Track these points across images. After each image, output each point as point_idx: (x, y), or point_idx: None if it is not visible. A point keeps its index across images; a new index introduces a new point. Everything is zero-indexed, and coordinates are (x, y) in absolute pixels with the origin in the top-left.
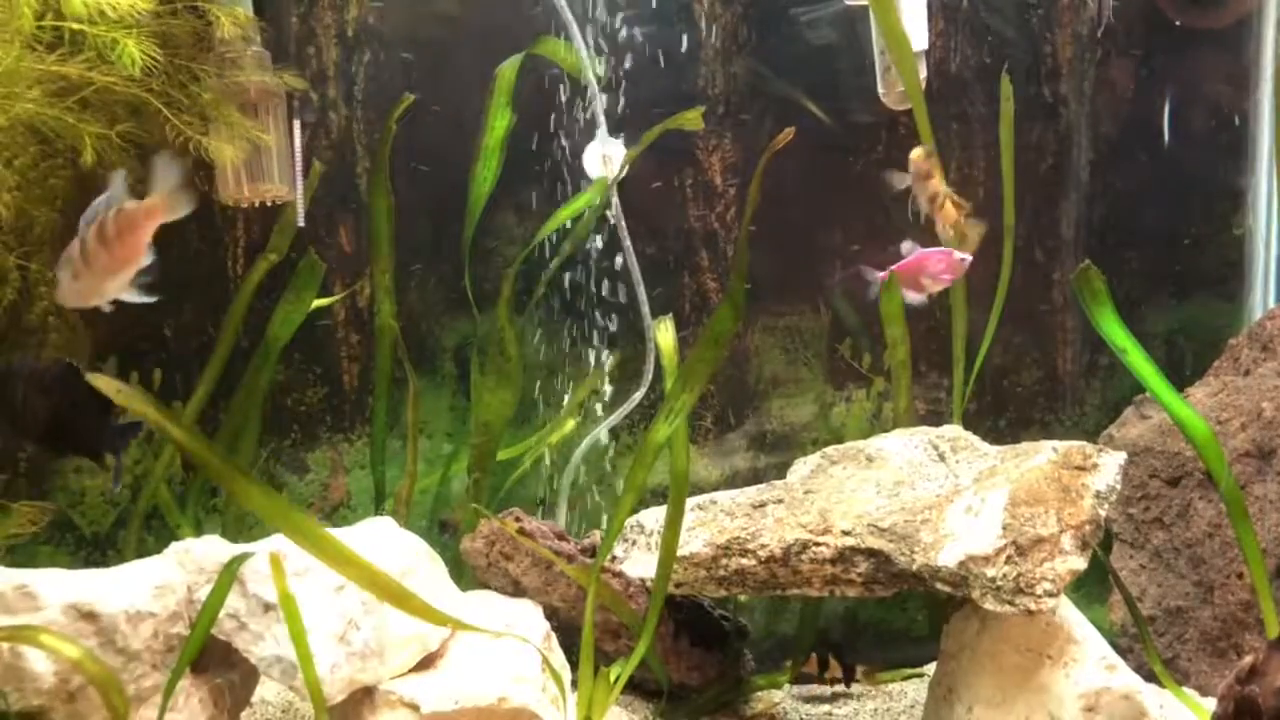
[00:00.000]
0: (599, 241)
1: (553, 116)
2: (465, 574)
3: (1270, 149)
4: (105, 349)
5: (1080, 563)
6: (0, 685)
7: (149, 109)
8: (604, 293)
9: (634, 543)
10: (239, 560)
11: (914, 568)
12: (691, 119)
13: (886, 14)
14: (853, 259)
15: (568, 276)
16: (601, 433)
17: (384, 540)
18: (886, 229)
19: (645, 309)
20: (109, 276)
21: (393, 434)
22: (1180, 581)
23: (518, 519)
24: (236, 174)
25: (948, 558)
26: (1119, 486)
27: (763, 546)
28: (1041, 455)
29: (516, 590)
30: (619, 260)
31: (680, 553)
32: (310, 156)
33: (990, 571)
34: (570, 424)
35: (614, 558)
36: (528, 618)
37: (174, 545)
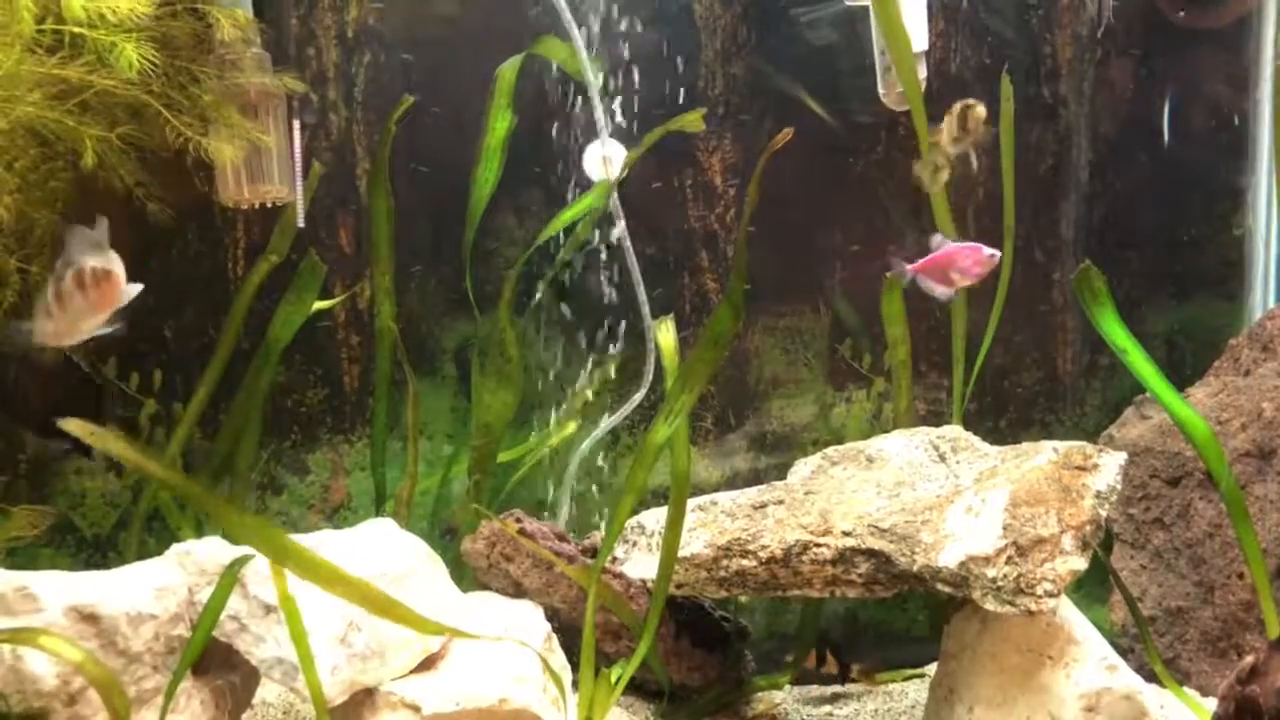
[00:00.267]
0: (599, 242)
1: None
2: (466, 575)
3: (1270, 149)
4: (105, 351)
5: (1081, 563)
6: (1, 687)
7: (149, 111)
8: (604, 294)
9: (634, 544)
10: (240, 562)
11: (915, 568)
12: (692, 121)
13: (887, 13)
14: (852, 259)
15: (567, 276)
16: (601, 434)
17: (385, 542)
18: (886, 229)
19: (645, 309)
20: (87, 318)
21: (393, 435)
22: (1181, 582)
23: (518, 520)
24: (236, 175)
25: (948, 558)
26: (1119, 487)
27: (763, 548)
28: (1042, 456)
29: (517, 591)
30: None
31: (681, 554)
32: (310, 158)
33: (991, 572)
34: (572, 426)
35: (614, 559)
36: (529, 619)
37: (175, 547)
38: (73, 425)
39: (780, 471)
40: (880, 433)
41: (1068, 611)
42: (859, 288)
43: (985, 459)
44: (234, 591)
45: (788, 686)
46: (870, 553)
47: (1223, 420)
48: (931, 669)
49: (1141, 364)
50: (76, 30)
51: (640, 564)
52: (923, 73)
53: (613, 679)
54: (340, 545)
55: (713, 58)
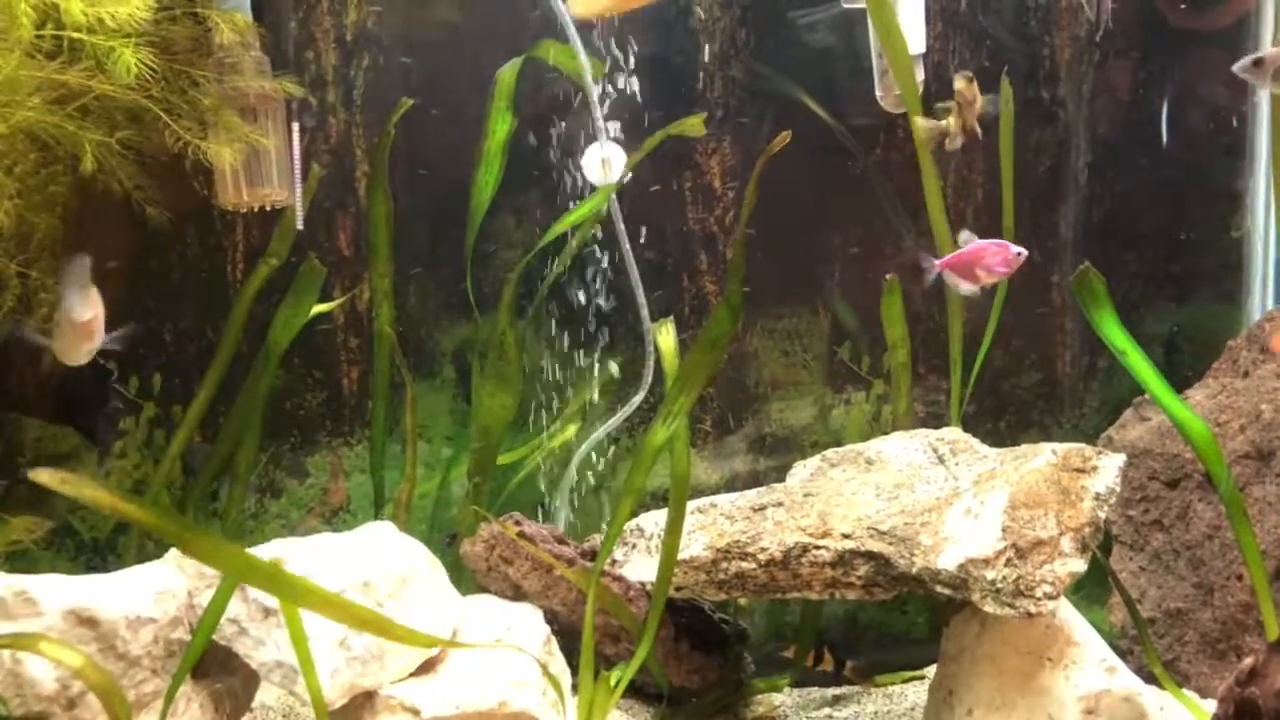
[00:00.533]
0: (597, 245)
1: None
2: (465, 578)
3: (1268, 151)
4: (105, 354)
5: (1080, 565)
6: (0, 691)
7: (148, 115)
8: (602, 296)
9: (634, 546)
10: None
11: (914, 570)
12: (693, 125)
13: (883, 16)
14: (851, 261)
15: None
16: (600, 436)
17: (383, 545)
18: (885, 231)
19: (645, 312)
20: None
21: (392, 438)
22: (1180, 583)
23: (517, 522)
24: (235, 179)
25: (947, 560)
26: (1118, 489)
27: (763, 550)
28: (1041, 458)
29: (517, 594)
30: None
31: (680, 556)
32: (309, 161)
33: (990, 574)
34: (571, 428)
35: (614, 561)
36: (528, 622)
37: (174, 550)
38: (43, 476)
39: (779, 474)
40: (879, 435)
41: (1067, 613)
42: (858, 290)
43: (984, 461)
44: (233, 594)
45: (787, 689)
46: (869, 555)
47: (1221, 422)
48: (931, 671)
49: (1140, 366)
50: (76, 36)
51: (639, 566)
52: (921, 75)
53: (612, 682)
54: (339, 549)
55: (711, 60)
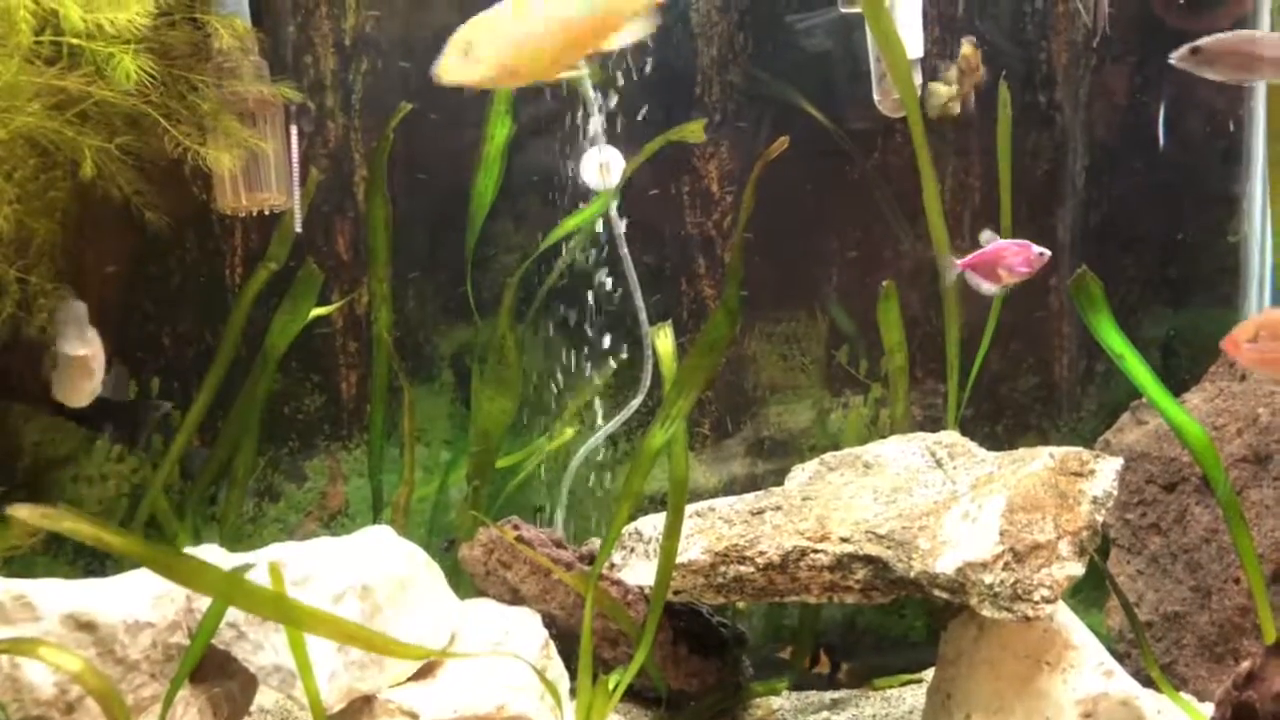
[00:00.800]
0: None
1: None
2: (464, 582)
3: (1264, 155)
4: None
5: (1077, 569)
6: None
7: (147, 120)
8: (601, 299)
9: (632, 550)
10: (240, 570)
11: (912, 574)
12: (693, 131)
13: (880, 21)
14: (849, 265)
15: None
16: (599, 439)
17: (381, 549)
18: (883, 235)
19: (643, 315)
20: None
21: (390, 442)
22: (1177, 587)
23: (515, 526)
24: (234, 183)
25: (945, 564)
26: (1116, 492)
27: (761, 554)
28: (1038, 461)
29: (515, 598)
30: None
31: (678, 560)
32: (308, 165)
33: (988, 578)
34: (569, 431)
35: (612, 565)
36: (526, 626)
37: None
38: (21, 511)
39: (778, 477)
40: (877, 438)
41: (1065, 617)
42: (856, 293)
43: (982, 465)
44: None
45: (786, 692)
46: (868, 559)
47: (1219, 425)
48: (929, 674)
49: (1138, 369)
50: (75, 42)
51: (638, 570)
52: (918, 80)
53: (610, 686)
54: (337, 553)
55: (709, 64)
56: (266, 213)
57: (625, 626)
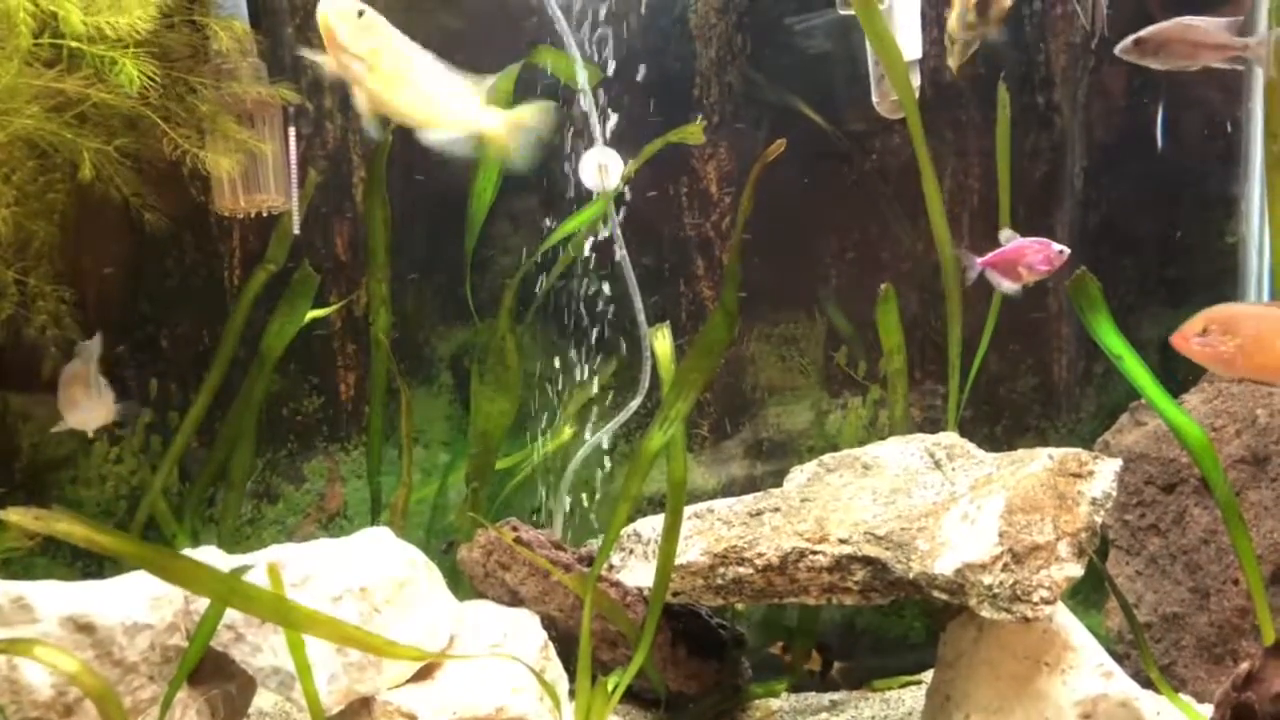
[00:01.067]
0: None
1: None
2: (463, 583)
3: (1262, 156)
4: (102, 359)
5: (1076, 570)
6: None
7: (146, 122)
8: (599, 301)
9: (631, 551)
10: (237, 571)
11: (911, 576)
12: (693, 132)
13: (873, 23)
14: (848, 267)
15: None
16: (599, 440)
17: (380, 551)
18: (882, 236)
19: (641, 317)
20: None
21: (389, 443)
22: (1176, 588)
23: (514, 528)
24: (233, 185)
25: (944, 565)
26: (1114, 493)
27: (760, 555)
28: (1037, 462)
29: (514, 600)
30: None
31: (677, 561)
32: (306, 166)
33: (987, 579)
34: (568, 432)
35: (611, 566)
36: (525, 627)
37: None
38: (13, 515)
39: (776, 478)
40: (876, 440)
41: (1064, 618)
42: (854, 295)
43: (981, 466)
44: None
45: (784, 694)
46: (866, 560)
47: (1217, 426)
48: (928, 676)
49: (1136, 370)
50: (75, 45)
51: (637, 572)
52: (916, 81)
53: (609, 687)
54: (335, 554)
55: (708, 66)
56: (265, 214)
57: (624, 628)
